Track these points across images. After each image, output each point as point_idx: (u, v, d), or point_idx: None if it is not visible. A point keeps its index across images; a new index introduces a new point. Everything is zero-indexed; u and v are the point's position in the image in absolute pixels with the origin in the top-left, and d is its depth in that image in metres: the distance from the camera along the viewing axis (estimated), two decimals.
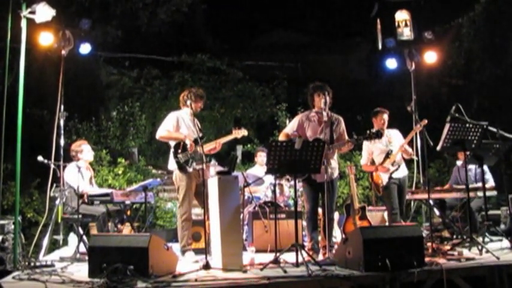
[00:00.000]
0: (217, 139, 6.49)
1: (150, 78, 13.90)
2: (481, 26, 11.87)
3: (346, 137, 6.03)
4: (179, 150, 6.13)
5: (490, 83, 11.74)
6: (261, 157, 8.25)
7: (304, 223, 6.51)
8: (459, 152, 7.88)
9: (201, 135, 6.22)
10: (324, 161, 5.49)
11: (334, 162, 6.03)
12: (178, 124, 6.19)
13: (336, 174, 6.00)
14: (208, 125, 12.65)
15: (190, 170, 6.06)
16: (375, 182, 6.99)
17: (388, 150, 6.77)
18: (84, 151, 6.89)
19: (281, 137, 6.16)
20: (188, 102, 6.08)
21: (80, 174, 6.51)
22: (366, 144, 7.01)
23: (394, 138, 6.87)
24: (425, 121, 6.54)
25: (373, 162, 6.98)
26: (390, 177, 6.73)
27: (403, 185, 6.85)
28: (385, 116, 6.84)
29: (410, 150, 6.89)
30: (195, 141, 6.03)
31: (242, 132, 6.58)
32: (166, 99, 13.60)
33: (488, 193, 6.83)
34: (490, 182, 7.54)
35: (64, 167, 6.79)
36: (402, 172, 6.87)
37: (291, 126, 6.17)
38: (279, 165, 5.29)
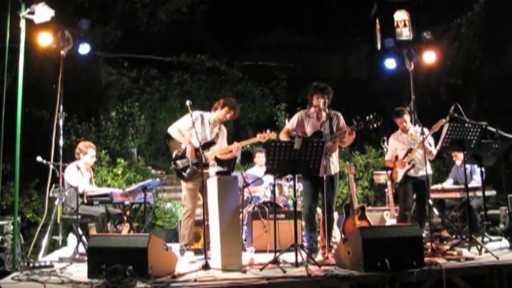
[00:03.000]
0: (240, 142, 6.40)
1: (149, 78, 13.89)
2: (480, 26, 11.88)
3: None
4: (179, 155, 6.14)
5: (489, 83, 11.75)
6: (259, 158, 8.24)
7: (304, 223, 6.50)
8: (454, 153, 7.89)
9: (215, 140, 6.23)
10: (326, 153, 5.51)
11: (336, 158, 6.02)
12: (194, 124, 6.12)
13: (336, 170, 5.99)
14: None
15: (186, 176, 6.06)
16: (392, 178, 7.02)
17: (409, 149, 6.74)
18: (88, 154, 6.91)
19: (282, 134, 6.16)
20: (217, 110, 6.24)
21: (79, 173, 6.52)
22: (390, 141, 7.05)
23: (419, 136, 6.71)
24: (443, 121, 6.33)
25: (397, 158, 6.96)
26: (406, 176, 6.69)
27: (421, 185, 6.65)
28: (405, 117, 6.81)
29: (430, 148, 6.62)
30: (202, 147, 5.97)
31: (269, 136, 6.32)
32: (165, 99, 13.60)
33: (487, 193, 6.82)
34: (476, 182, 7.52)
35: (64, 167, 6.79)
36: (421, 172, 6.69)
37: (291, 123, 6.17)
38: (278, 165, 5.29)
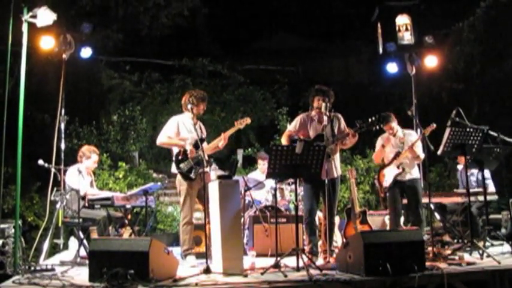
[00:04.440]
0: (223, 133, 6.35)
1: (151, 82, 13.94)
2: (481, 31, 11.90)
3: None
4: (180, 158, 6.11)
5: (490, 87, 11.75)
6: (261, 165, 8.21)
7: (304, 226, 6.47)
8: (459, 156, 7.88)
9: (203, 137, 6.21)
10: (330, 156, 5.51)
11: (338, 161, 6.02)
12: (179, 129, 6.18)
13: (339, 172, 5.99)
14: (209, 129, 12.66)
15: (193, 176, 6.04)
16: (379, 181, 6.95)
17: (397, 152, 6.73)
18: (91, 159, 6.92)
19: (284, 137, 6.16)
20: (189, 107, 6.08)
21: (80, 176, 6.53)
22: (379, 140, 7.00)
23: (408, 139, 6.76)
24: (434, 125, 6.50)
25: (383, 162, 6.94)
26: (395, 180, 6.68)
27: (410, 189, 6.68)
28: (393, 124, 6.77)
29: (417, 152, 6.71)
30: (196, 145, 6.00)
31: (245, 121, 6.39)
32: (167, 103, 13.64)
33: (489, 197, 6.81)
34: (491, 187, 7.52)
35: (65, 170, 6.80)
36: (409, 175, 6.71)
37: (293, 126, 6.17)
38: (279, 169, 5.29)
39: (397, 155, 6.70)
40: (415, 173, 6.79)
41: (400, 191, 6.73)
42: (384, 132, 6.91)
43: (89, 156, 6.90)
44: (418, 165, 7.94)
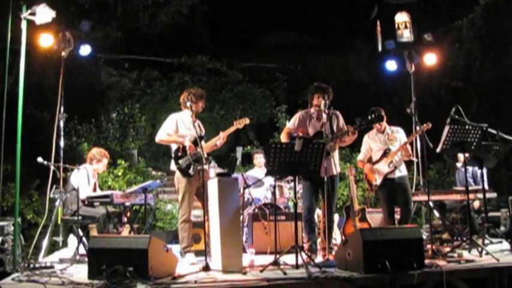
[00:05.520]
0: (221, 132, 6.36)
1: (150, 79, 13.94)
2: (480, 28, 11.89)
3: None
4: (179, 154, 6.11)
5: (490, 85, 11.75)
6: (257, 159, 8.24)
7: (303, 224, 6.46)
8: (457, 155, 7.88)
9: (202, 135, 6.21)
10: (329, 153, 5.52)
11: (337, 158, 6.02)
12: (178, 127, 6.17)
13: (338, 170, 5.99)
14: (208, 127, 12.66)
15: (192, 173, 6.05)
16: (368, 179, 6.91)
17: (386, 149, 6.69)
18: (102, 163, 6.99)
19: (283, 134, 6.17)
20: (188, 104, 6.08)
21: (86, 178, 6.56)
22: (365, 140, 6.91)
23: (395, 136, 6.75)
24: (430, 125, 6.49)
25: (370, 159, 6.91)
26: (385, 178, 6.65)
27: (400, 186, 6.63)
28: (383, 121, 6.78)
29: (410, 151, 6.80)
30: (195, 143, 6.00)
31: (244, 122, 6.44)
32: (166, 100, 13.64)
33: (488, 195, 6.81)
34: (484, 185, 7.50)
35: (64, 168, 6.80)
36: (399, 172, 6.68)
37: (292, 123, 6.17)
38: (278, 167, 5.29)
39: (387, 152, 6.66)
40: (403, 170, 6.76)
41: (390, 189, 6.70)
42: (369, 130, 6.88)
43: (100, 160, 6.96)
44: (417, 163, 7.93)
